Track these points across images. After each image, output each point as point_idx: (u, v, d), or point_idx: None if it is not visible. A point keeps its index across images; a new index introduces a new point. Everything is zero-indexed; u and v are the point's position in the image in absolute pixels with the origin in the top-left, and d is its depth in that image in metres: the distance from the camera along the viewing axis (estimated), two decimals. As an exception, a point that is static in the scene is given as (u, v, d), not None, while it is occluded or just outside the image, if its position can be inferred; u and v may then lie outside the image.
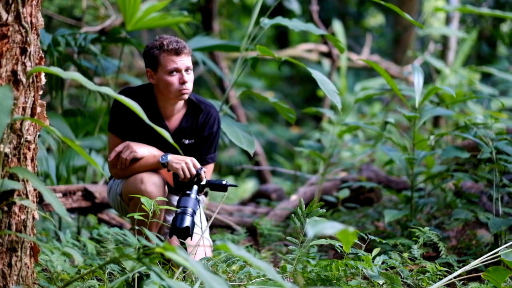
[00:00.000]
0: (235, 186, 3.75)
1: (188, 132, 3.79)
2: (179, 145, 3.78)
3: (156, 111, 3.74)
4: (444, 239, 4.25)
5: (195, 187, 3.61)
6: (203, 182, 3.62)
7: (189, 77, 3.65)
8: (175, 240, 3.57)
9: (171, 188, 3.85)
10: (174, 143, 2.66)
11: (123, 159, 3.67)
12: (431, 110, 4.65)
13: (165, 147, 3.74)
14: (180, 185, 3.65)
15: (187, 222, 3.47)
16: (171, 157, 3.64)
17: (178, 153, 3.71)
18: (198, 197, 3.60)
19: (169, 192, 3.83)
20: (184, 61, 3.62)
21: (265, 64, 13.73)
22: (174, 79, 3.62)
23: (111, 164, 3.75)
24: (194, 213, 3.53)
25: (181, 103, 3.75)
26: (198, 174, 3.61)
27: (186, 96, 3.66)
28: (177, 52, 3.60)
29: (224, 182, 3.64)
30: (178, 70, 3.62)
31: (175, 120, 3.78)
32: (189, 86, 3.64)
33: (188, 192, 3.58)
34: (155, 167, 3.68)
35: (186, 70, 3.64)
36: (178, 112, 3.77)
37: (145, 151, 3.69)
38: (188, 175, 3.61)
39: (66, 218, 2.53)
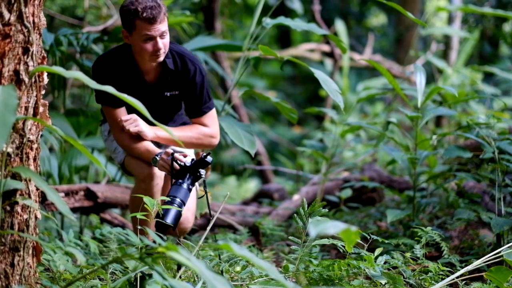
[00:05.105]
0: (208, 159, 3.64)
1: (169, 84, 3.80)
2: (161, 98, 3.81)
3: (135, 67, 3.75)
4: (446, 239, 4.24)
5: (188, 177, 3.58)
6: (187, 163, 3.60)
7: (164, 41, 3.64)
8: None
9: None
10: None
11: (126, 129, 3.71)
12: (433, 110, 4.65)
13: (148, 101, 3.74)
14: (176, 176, 3.64)
15: (170, 217, 3.44)
16: (159, 158, 3.68)
17: (159, 105, 3.80)
18: (191, 187, 3.58)
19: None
20: (158, 28, 3.60)
21: (267, 63, 13.72)
22: (148, 46, 3.62)
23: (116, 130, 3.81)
24: (183, 203, 3.51)
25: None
26: (172, 156, 3.60)
27: (161, 59, 3.67)
28: (151, 21, 3.58)
29: (203, 155, 3.60)
30: (152, 38, 3.61)
31: (154, 73, 3.79)
32: (163, 50, 3.64)
33: (180, 181, 3.57)
34: (147, 161, 3.74)
35: (161, 35, 3.62)
36: (157, 65, 3.77)
37: (150, 133, 3.73)
38: (167, 167, 3.62)
39: (69, 217, 2.54)
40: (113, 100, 3.71)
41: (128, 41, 3.68)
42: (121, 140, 3.78)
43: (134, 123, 3.71)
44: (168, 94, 3.82)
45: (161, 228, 3.43)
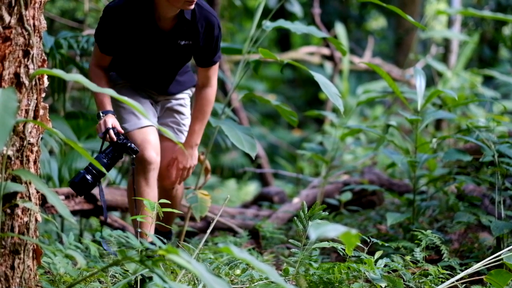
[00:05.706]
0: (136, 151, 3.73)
1: (184, 33, 3.81)
2: (174, 46, 3.83)
3: (151, 14, 3.72)
4: (446, 242, 4.24)
5: (113, 153, 3.66)
6: (119, 140, 3.67)
7: None
8: None
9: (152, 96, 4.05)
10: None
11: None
12: (433, 113, 4.65)
13: (160, 49, 3.82)
14: (105, 147, 3.73)
15: (79, 178, 3.56)
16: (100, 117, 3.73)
17: (172, 53, 3.84)
18: (110, 162, 3.66)
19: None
20: None
21: (267, 67, 13.73)
22: None
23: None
24: (98, 175, 3.59)
25: None
26: (107, 131, 3.65)
27: (193, 6, 3.65)
28: None
29: (129, 145, 3.68)
30: None
31: (171, 21, 3.78)
32: None
33: (103, 155, 3.66)
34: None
35: None
36: (176, 14, 3.76)
37: (196, 150, 4.01)
38: (100, 134, 3.69)
39: (69, 220, 2.53)
40: (105, 45, 3.79)
41: None
42: (91, 73, 3.83)
43: (188, 171, 3.95)
44: (182, 43, 3.83)
45: (77, 190, 3.57)
